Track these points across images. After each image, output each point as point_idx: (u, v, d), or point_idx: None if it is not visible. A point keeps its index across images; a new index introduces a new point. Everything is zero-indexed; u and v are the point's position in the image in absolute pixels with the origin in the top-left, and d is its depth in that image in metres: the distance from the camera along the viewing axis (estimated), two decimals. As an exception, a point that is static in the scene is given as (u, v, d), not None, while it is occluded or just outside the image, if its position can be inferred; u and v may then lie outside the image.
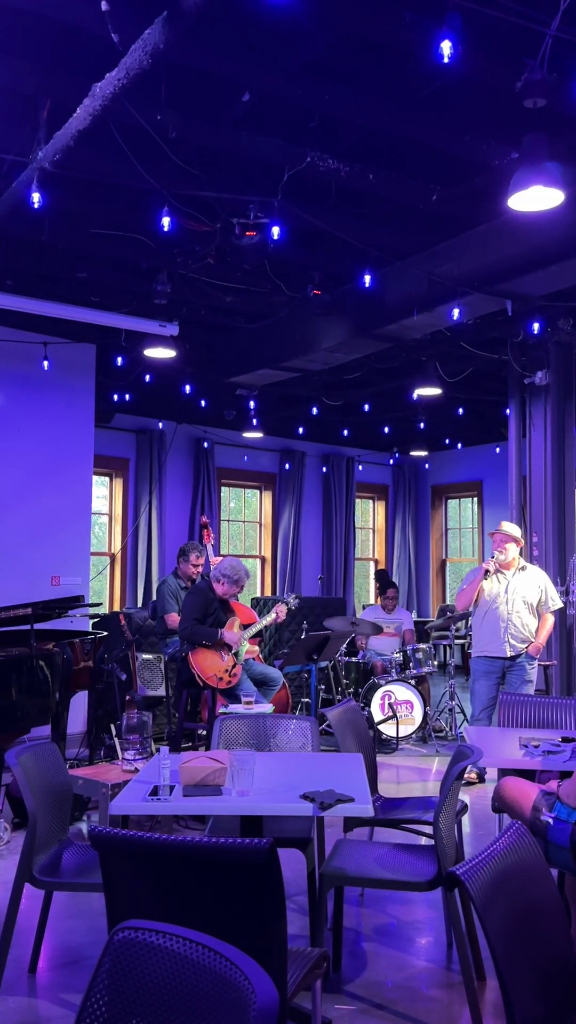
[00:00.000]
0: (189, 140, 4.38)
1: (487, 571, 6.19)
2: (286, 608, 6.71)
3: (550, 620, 6.22)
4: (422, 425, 11.11)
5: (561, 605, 6.37)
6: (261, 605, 8.66)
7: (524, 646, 6.10)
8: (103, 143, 4.30)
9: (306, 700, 8.05)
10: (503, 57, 3.73)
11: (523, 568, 6.24)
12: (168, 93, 4.00)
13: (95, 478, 9.28)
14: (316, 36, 3.80)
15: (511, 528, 6.25)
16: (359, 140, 4.67)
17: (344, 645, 7.86)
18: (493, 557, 6.20)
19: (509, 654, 6.09)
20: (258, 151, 4.53)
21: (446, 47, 3.28)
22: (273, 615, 6.10)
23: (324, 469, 12.93)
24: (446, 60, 3.30)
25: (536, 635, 6.13)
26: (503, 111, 4.19)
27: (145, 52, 3.46)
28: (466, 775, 4.85)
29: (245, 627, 5.95)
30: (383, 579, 9.93)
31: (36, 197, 4.49)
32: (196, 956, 1.50)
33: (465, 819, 4.06)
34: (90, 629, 7.10)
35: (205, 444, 11.48)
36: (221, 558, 6.21)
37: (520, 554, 6.29)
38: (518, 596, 6.12)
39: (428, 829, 3.79)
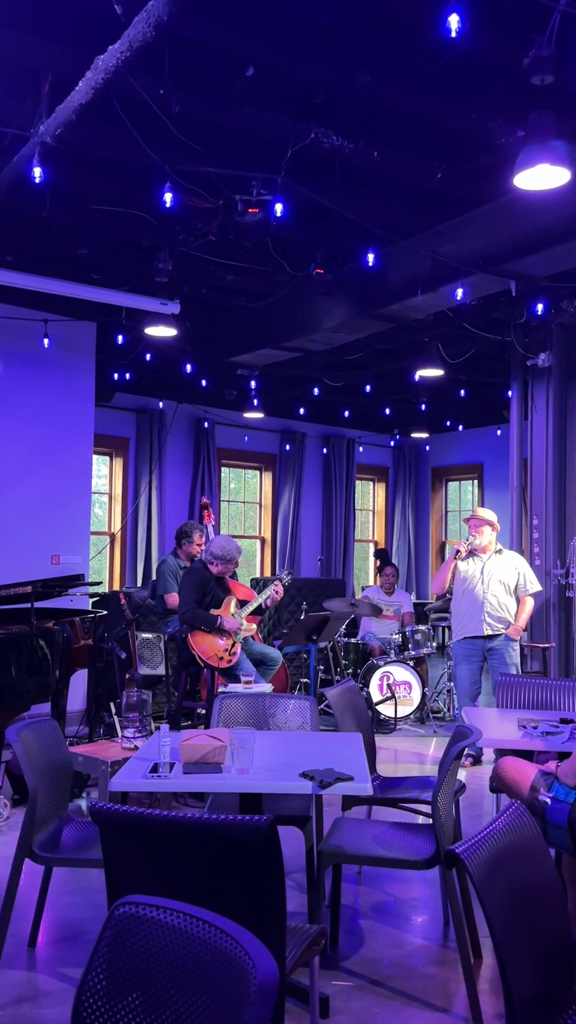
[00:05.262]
0: (192, 115, 4.33)
1: (458, 551, 6.26)
2: (282, 585, 6.72)
3: (530, 603, 6.33)
4: (423, 407, 11.07)
5: (540, 588, 6.44)
6: (260, 585, 8.65)
7: (502, 626, 6.17)
8: (105, 117, 4.25)
9: (305, 680, 8.07)
10: (511, 33, 3.68)
11: (499, 551, 6.35)
12: (171, 67, 3.95)
13: (95, 457, 9.26)
14: (321, 10, 3.75)
15: (486, 512, 6.37)
16: (364, 117, 4.62)
17: (343, 626, 7.88)
18: (468, 540, 6.28)
19: (487, 632, 6.17)
20: (261, 127, 4.48)
21: (453, 21, 3.24)
22: (269, 593, 6.10)
23: (324, 450, 12.90)
24: (453, 35, 3.26)
25: (516, 618, 6.21)
26: (510, 88, 4.14)
27: (148, 24, 3.41)
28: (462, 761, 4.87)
29: (243, 604, 5.96)
30: (382, 557, 9.90)
31: (37, 172, 4.44)
32: (196, 931, 1.51)
33: (461, 799, 4.07)
34: (90, 608, 7.10)
35: (205, 424, 11.44)
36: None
37: (496, 539, 6.39)
38: (494, 577, 6.21)
39: (426, 808, 3.80)
